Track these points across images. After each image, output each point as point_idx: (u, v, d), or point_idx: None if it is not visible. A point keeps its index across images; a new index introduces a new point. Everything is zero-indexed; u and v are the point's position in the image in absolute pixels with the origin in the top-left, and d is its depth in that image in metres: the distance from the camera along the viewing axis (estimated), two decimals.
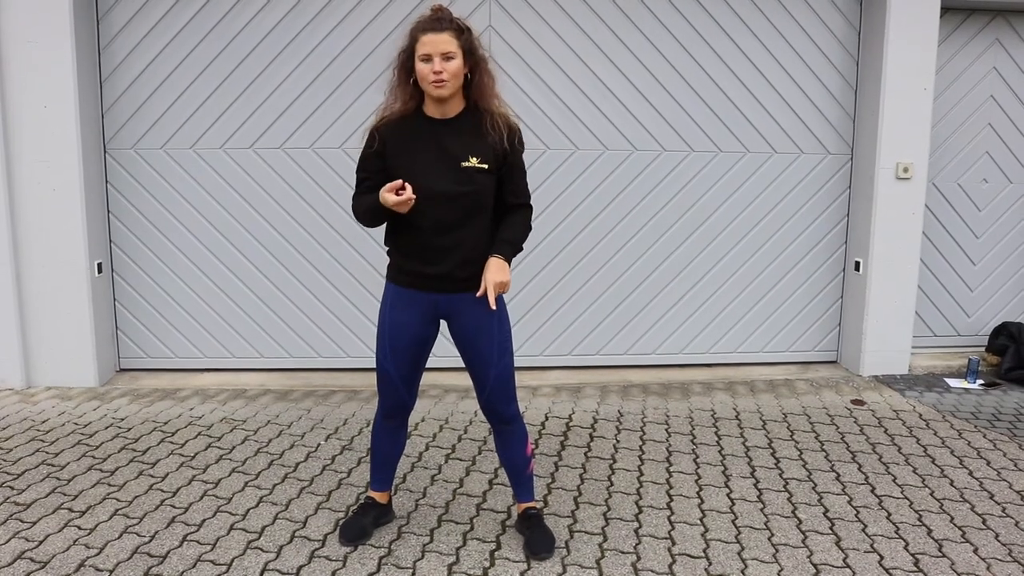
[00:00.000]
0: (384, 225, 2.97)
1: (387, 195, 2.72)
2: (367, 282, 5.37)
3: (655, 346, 5.63)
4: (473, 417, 4.60)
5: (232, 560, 3.05)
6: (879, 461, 4.07)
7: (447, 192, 2.82)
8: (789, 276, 5.65)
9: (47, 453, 4.04)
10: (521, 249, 2.98)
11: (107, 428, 4.40)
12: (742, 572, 3.01)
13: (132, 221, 5.25)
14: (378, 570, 2.99)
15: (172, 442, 4.22)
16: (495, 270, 2.83)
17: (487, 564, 3.04)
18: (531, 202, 3.04)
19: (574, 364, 5.60)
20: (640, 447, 4.23)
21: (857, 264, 5.52)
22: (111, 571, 2.95)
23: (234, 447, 4.16)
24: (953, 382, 5.39)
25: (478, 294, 2.85)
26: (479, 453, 4.11)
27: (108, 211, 5.23)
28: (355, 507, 3.32)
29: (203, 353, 5.43)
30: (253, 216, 5.27)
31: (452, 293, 2.93)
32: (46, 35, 4.73)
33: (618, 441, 4.30)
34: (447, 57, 2.74)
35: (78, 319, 5.01)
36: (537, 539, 3.12)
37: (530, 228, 3.03)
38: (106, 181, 5.20)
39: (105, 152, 5.17)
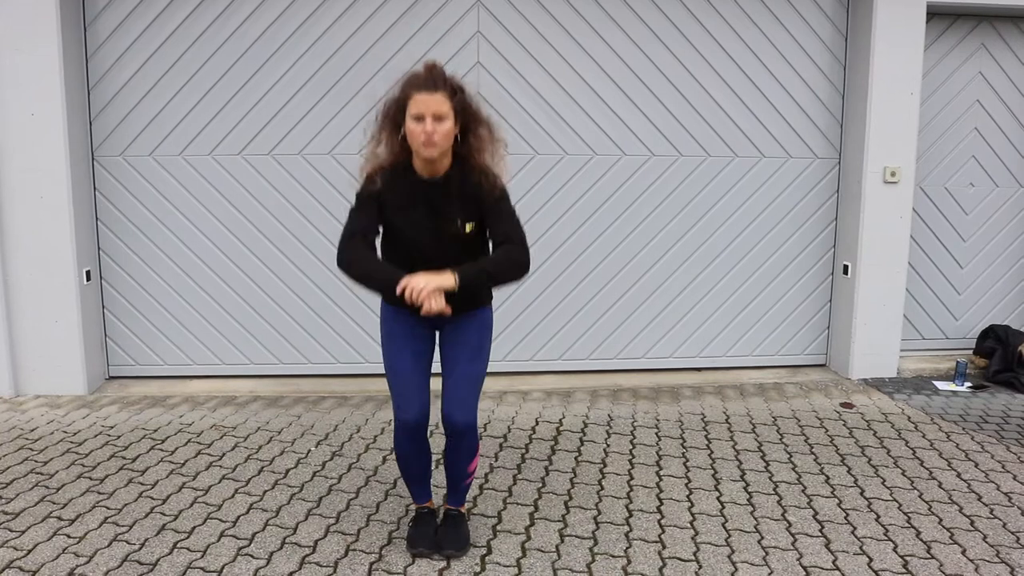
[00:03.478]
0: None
1: (395, 285, 2.70)
2: (357, 288, 5.36)
3: (645, 350, 5.65)
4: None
5: (222, 567, 3.04)
6: (868, 464, 4.09)
7: (438, 253, 2.89)
8: (778, 280, 5.67)
9: (36, 462, 4.02)
10: (493, 280, 2.87)
11: (96, 436, 4.38)
12: (732, 575, 3.02)
13: (120, 228, 5.24)
14: (369, 575, 2.99)
15: (162, 449, 4.20)
16: (436, 275, 2.72)
17: (477, 569, 3.04)
18: (524, 242, 2.91)
19: (564, 369, 5.60)
20: (630, 451, 4.23)
21: (845, 268, 5.55)
22: None
23: (224, 454, 4.15)
24: (941, 385, 5.42)
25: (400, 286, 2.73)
26: None
27: (96, 218, 5.21)
28: (411, 520, 3.25)
29: (193, 360, 5.41)
30: (242, 222, 5.26)
31: (444, 321, 3.03)
32: (33, 42, 4.72)
33: (608, 445, 4.31)
34: (439, 118, 2.73)
35: (66, 327, 5.00)
36: (451, 535, 3.14)
37: (519, 266, 2.87)
38: (94, 188, 5.18)
39: (93, 159, 5.16)
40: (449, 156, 2.87)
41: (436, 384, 3.08)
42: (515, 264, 2.87)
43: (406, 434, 3.03)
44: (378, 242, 3.00)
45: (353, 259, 2.84)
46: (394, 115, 2.83)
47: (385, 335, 3.06)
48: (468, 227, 2.89)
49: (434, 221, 2.88)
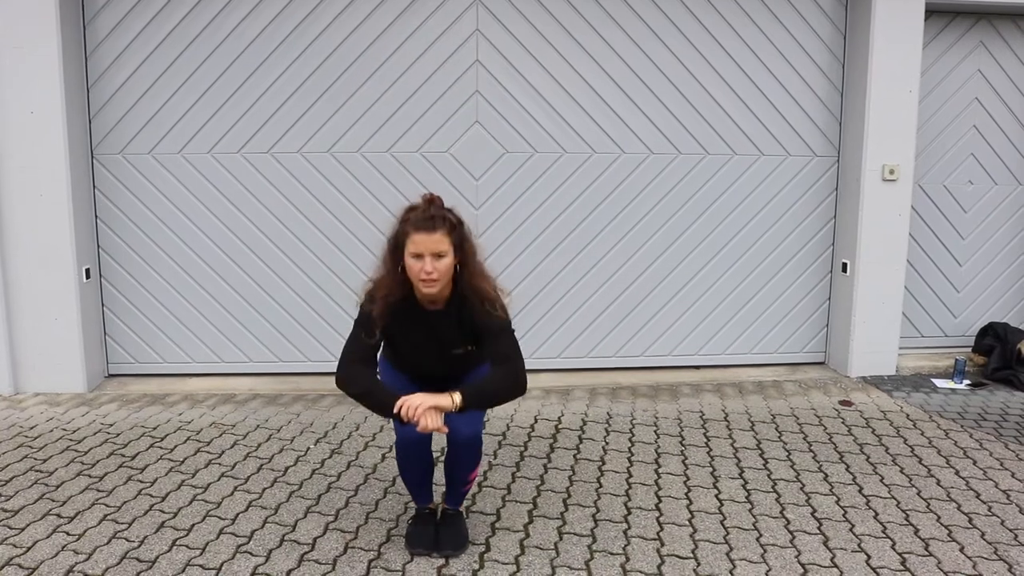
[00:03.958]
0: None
1: (392, 407, 2.77)
2: (356, 286, 5.33)
3: (644, 348, 5.65)
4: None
5: (221, 564, 3.04)
6: (867, 461, 4.09)
7: (439, 374, 3.03)
8: (777, 278, 5.68)
9: (35, 459, 4.03)
10: (492, 401, 2.92)
11: (96, 434, 4.39)
12: (730, 572, 3.02)
13: (120, 226, 5.24)
14: (367, 573, 2.99)
15: (161, 447, 4.21)
16: (434, 396, 2.75)
17: (476, 566, 3.05)
18: (518, 359, 2.90)
19: (563, 367, 5.61)
20: (629, 449, 4.24)
21: (844, 266, 5.55)
22: None
23: (223, 451, 4.15)
24: (940, 382, 5.43)
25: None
26: None
27: (96, 216, 5.22)
28: (410, 519, 3.26)
29: (192, 358, 5.42)
30: (241, 220, 5.27)
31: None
32: (32, 41, 4.72)
33: (607, 443, 4.31)
34: (438, 256, 2.78)
35: (66, 325, 5.00)
36: (449, 535, 3.14)
37: (516, 386, 2.88)
38: (93, 186, 5.18)
39: (92, 157, 5.16)
40: (449, 285, 2.91)
41: None
42: (516, 386, 2.89)
43: (408, 448, 3.04)
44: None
45: (351, 379, 2.88)
46: (393, 249, 2.87)
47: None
48: (466, 347, 3.01)
49: (436, 345, 2.99)
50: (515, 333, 2.97)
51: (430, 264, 2.76)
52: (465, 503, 3.55)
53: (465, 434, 2.96)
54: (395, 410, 2.74)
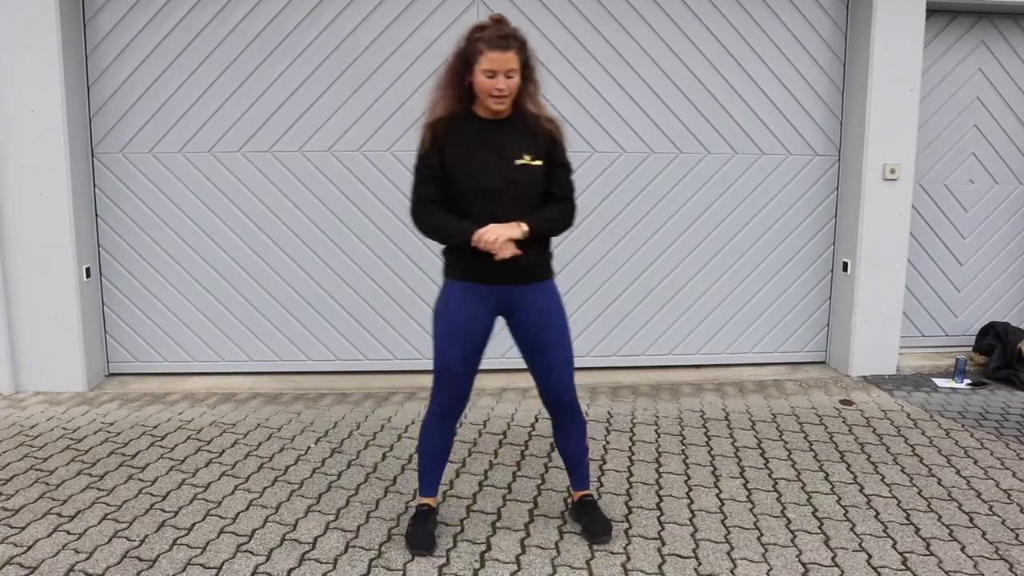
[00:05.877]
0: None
1: (473, 237, 2.88)
2: (357, 285, 5.37)
3: (644, 347, 5.65)
4: (463, 420, 4.60)
5: (222, 563, 3.04)
6: (867, 461, 4.09)
7: (503, 187, 2.96)
8: (778, 277, 5.67)
9: (36, 458, 4.03)
10: (551, 233, 3.07)
11: (96, 433, 4.39)
12: (731, 572, 3.02)
13: (120, 225, 5.24)
14: (368, 572, 2.99)
15: (161, 446, 4.21)
16: (507, 224, 2.91)
17: (477, 566, 3.05)
18: (575, 200, 3.14)
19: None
20: (629, 448, 4.24)
21: (845, 265, 5.55)
22: (100, 575, 2.95)
23: (224, 451, 4.15)
24: (941, 382, 5.42)
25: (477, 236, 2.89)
26: (468, 455, 4.11)
27: (96, 215, 5.21)
28: (411, 518, 3.27)
29: (192, 357, 5.41)
30: (241, 219, 5.26)
31: (514, 285, 3.05)
32: (33, 39, 4.72)
33: (608, 442, 4.31)
34: (510, 74, 2.86)
35: (66, 324, 5.00)
36: (596, 524, 3.21)
37: (568, 223, 3.11)
38: (94, 185, 5.18)
39: (93, 156, 5.16)
40: (511, 101, 3.00)
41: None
42: (566, 221, 3.10)
43: (440, 421, 3.14)
44: None
45: (425, 217, 3.02)
46: (459, 68, 2.93)
47: (442, 325, 3.08)
48: (535, 162, 2.99)
49: (500, 158, 2.97)
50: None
51: (502, 81, 2.86)
52: (465, 503, 3.55)
53: (570, 400, 3.21)
54: (473, 241, 2.88)
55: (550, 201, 3.08)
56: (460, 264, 3.04)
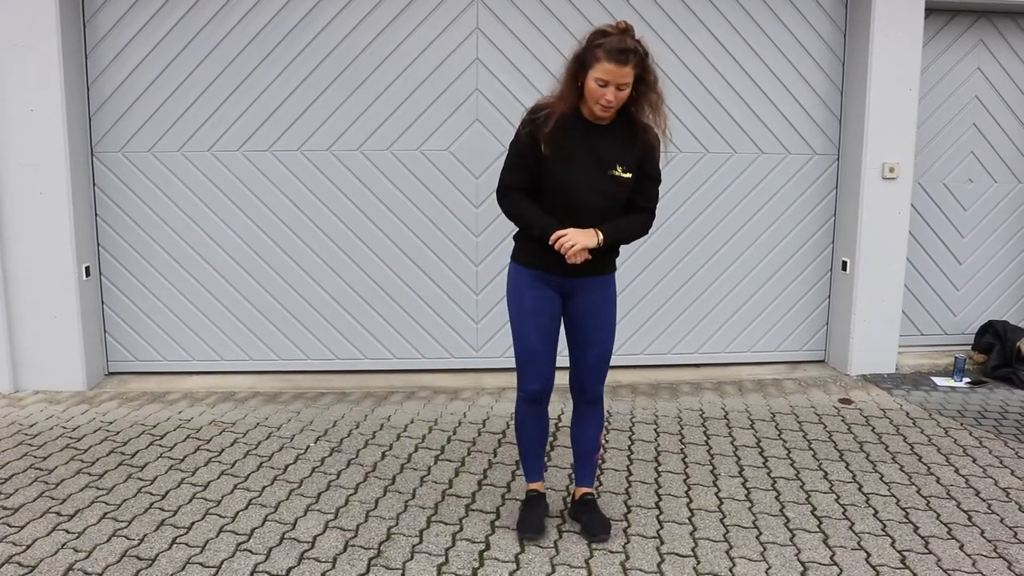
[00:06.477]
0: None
1: (552, 236, 2.95)
2: (356, 284, 5.37)
3: (644, 346, 5.65)
4: (462, 419, 4.60)
5: (221, 562, 3.04)
6: (866, 459, 4.10)
7: (591, 194, 3.00)
8: (777, 276, 5.68)
9: (35, 457, 4.03)
10: (625, 242, 3.15)
11: (95, 432, 4.39)
12: (730, 571, 3.03)
13: (120, 224, 5.24)
14: (368, 571, 2.99)
15: (161, 445, 4.21)
16: (585, 232, 2.95)
17: (476, 564, 3.05)
18: (656, 210, 3.19)
19: (562, 365, 5.58)
20: (629, 447, 4.24)
21: (844, 264, 5.55)
22: (100, 574, 2.95)
23: (223, 450, 4.16)
24: (940, 380, 5.43)
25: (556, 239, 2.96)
26: (468, 454, 4.11)
27: (96, 214, 5.21)
28: (521, 504, 3.39)
29: (192, 356, 5.42)
30: (240, 218, 5.26)
31: (575, 277, 3.11)
32: (33, 38, 4.72)
33: (607, 441, 4.31)
34: (621, 87, 2.86)
35: (66, 323, 5.00)
36: (596, 523, 3.24)
37: (644, 233, 3.17)
38: (93, 184, 5.18)
39: (92, 155, 5.16)
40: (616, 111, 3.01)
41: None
42: (643, 232, 3.17)
43: (530, 404, 3.23)
44: None
45: (511, 201, 3.08)
46: (576, 70, 2.92)
47: (516, 307, 3.17)
48: (625, 175, 3.02)
49: (596, 165, 2.99)
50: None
51: (612, 93, 2.85)
52: (464, 502, 3.56)
53: (597, 392, 3.27)
54: (550, 240, 2.95)
55: (632, 209, 3.11)
56: (530, 253, 3.11)
